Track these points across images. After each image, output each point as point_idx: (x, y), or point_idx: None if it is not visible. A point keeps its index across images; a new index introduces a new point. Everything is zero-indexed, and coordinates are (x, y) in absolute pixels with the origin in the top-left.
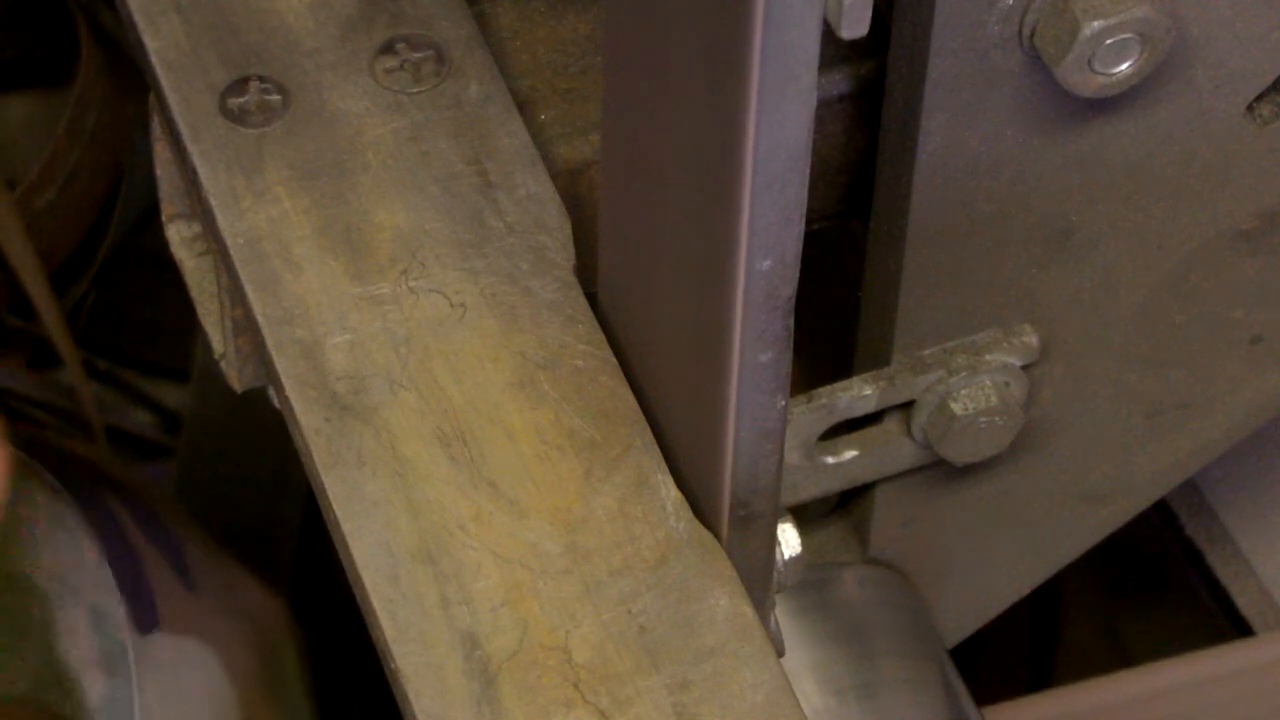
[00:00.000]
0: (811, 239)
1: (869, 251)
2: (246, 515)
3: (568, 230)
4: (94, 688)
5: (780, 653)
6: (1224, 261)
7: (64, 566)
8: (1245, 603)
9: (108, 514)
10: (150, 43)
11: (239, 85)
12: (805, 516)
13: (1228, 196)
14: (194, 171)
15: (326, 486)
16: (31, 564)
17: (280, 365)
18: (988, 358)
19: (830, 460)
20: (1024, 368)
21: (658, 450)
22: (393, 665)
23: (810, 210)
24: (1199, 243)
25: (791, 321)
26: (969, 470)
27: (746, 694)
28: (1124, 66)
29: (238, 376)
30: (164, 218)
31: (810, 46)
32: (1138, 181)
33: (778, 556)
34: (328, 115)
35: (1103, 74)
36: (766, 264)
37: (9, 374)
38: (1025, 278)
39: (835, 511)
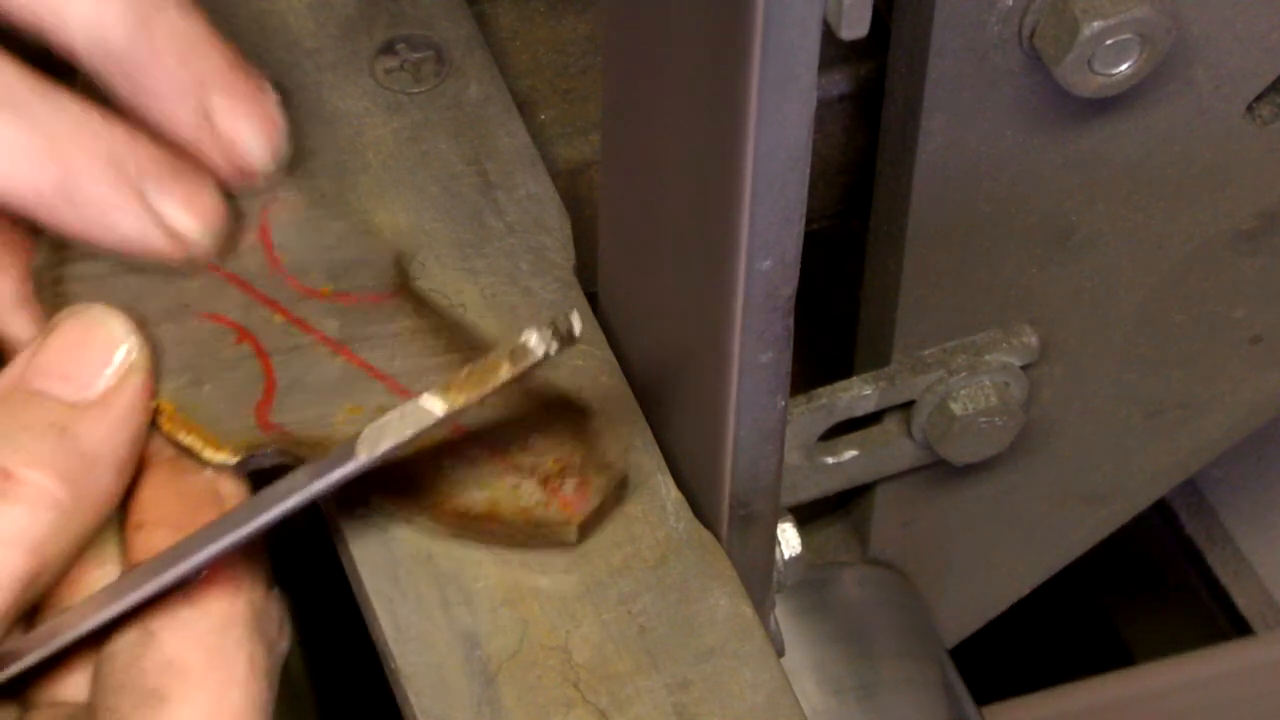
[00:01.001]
0: (811, 239)
1: (869, 251)
2: None
3: (568, 230)
4: None
5: (780, 653)
6: (1224, 261)
7: None
8: (1245, 603)
9: None
10: None
11: None
12: (805, 517)
13: (1228, 196)
14: None
15: None
16: None
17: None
18: (988, 358)
19: (830, 460)
20: (1024, 368)
21: (658, 450)
22: (393, 665)
23: (810, 210)
24: (1199, 243)
25: (791, 321)
26: (969, 470)
27: (746, 694)
28: (1124, 67)
29: None
30: None
31: (810, 47)
32: (1137, 181)
33: (778, 556)
34: (328, 115)
35: (1102, 74)
36: (766, 264)
37: None
38: (1025, 278)
39: (835, 512)
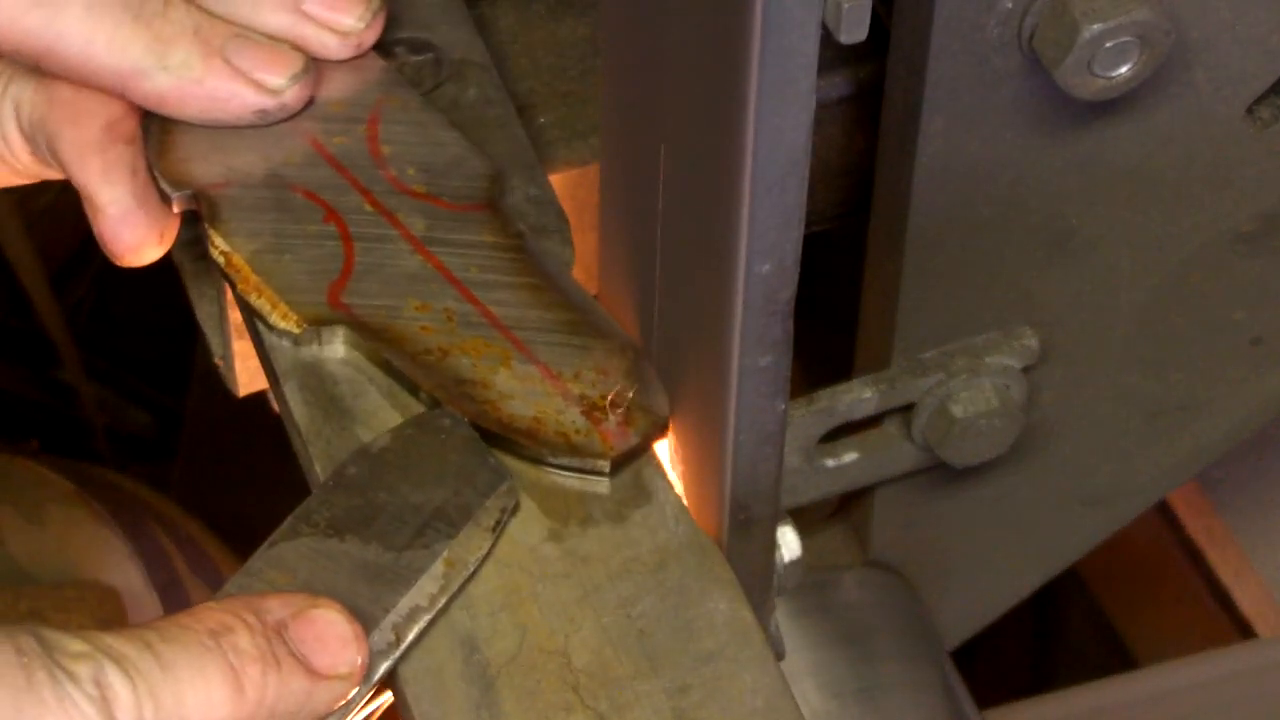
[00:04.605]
0: (811, 241)
1: (869, 254)
2: (246, 515)
3: (568, 232)
4: None
5: (780, 656)
6: (1224, 263)
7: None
8: (1246, 603)
9: (154, 544)
10: None
11: None
12: (805, 519)
13: (1227, 198)
14: None
15: None
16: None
17: (279, 369)
18: (988, 360)
19: (830, 463)
20: (1024, 370)
21: (656, 454)
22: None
23: (810, 213)
24: (1199, 244)
25: (791, 325)
26: (969, 473)
27: (746, 698)
28: (1123, 69)
29: (237, 380)
30: None
31: (809, 51)
32: (1137, 184)
33: (778, 560)
34: None
35: (1102, 77)
36: (766, 268)
37: (9, 374)
38: (1025, 280)
39: (835, 514)
